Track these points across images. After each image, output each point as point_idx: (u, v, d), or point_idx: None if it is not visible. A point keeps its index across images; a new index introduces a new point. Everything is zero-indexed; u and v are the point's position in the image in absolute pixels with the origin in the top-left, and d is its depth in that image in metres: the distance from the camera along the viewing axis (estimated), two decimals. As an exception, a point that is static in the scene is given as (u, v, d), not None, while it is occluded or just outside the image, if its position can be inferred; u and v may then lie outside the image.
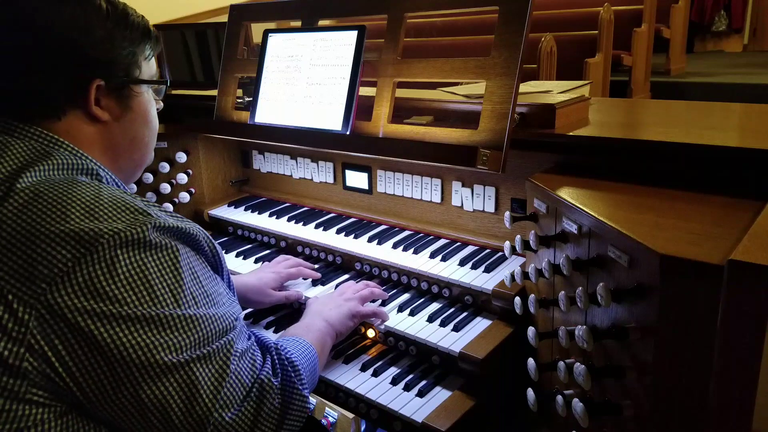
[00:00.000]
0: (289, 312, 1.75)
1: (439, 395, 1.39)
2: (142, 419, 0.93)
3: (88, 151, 1.09)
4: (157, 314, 0.91)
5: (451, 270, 1.62)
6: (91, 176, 1.05)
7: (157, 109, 1.26)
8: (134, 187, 2.21)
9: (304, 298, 1.70)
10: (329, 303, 1.53)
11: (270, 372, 1.08)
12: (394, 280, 1.75)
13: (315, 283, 1.77)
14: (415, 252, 1.73)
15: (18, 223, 0.89)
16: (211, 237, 1.09)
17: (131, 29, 1.12)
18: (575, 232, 1.16)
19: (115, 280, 0.89)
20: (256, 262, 1.95)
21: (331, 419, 1.82)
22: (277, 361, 1.12)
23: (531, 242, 1.34)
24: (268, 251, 2.02)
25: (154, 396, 0.92)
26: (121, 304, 0.89)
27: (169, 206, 2.23)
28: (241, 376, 1.02)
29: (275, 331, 1.66)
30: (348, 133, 1.72)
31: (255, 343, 1.10)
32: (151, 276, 0.92)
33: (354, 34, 1.74)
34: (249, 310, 1.76)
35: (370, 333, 1.61)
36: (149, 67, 1.19)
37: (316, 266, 1.89)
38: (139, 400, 0.91)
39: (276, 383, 1.07)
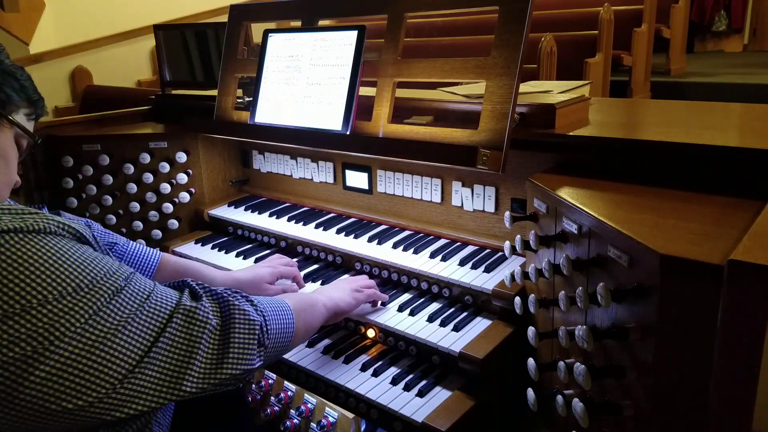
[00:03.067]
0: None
1: (439, 395, 1.39)
2: (52, 412, 0.88)
3: None
4: (22, 307, 0.86)
5: (451, 270, 1.62)
6: None
7: (19, 162, 1.19)
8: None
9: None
10: (332, 284, 1.59)
11: (189, 298, 1.06)
12: (394, 280, 1.75)
13: (315, 280, 1.78)
14: (415, 252, 1.73)
15: None
16: (75, 226, 1.01)
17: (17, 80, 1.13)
18: (575, 232, 1.16)
19: None
20: (256, 262, 1.95)
21: (331, 419, 1.82)
22: (197, 288, 1.09)
23: (531, 242, 1.34)
24: (268, 251, 2.02)
25: (47, 380, 0.86)
26: None
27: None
28: (155, 311, 0.98)
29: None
30: (348, 133, 1.72)
31: (163, 287, 1.07)
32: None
33: (354, 34, 1.74)
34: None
35: (370, 333, 1.61)
36: (25, 122, 1.16)
37: (316, 266, 1.89)
38: (35, 393, 0.86)
39: (203, 304, 1.05)
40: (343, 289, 1.53)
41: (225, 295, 1.10)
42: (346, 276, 1.80)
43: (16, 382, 0.85)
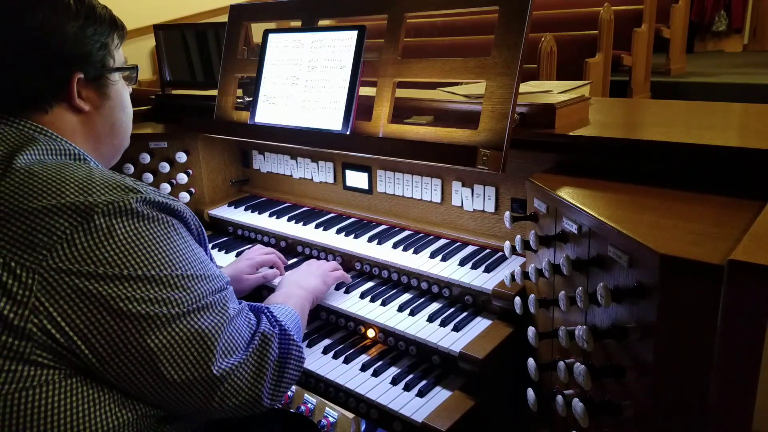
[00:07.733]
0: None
1: (439, 395, 1.39)
2: (152, 371, 0.97)
3: (70, 139, 1.16)
4: (157, 274, 0.98)
5: (451, 270, 1.62)
6: (78, 160, 1.11)
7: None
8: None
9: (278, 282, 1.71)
10: (302, 273, 1.63)
11: (268, 325, 1.16)
12: (394, 280, 1.75)
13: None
14: (415, 252, 1.73)
15: (16, 199, 0.94)
16: (196, 217, 1.15)
17: (99, 22, 1.18)
18: (575, 232, 1.16)
19: (113, 246, 0.95)
20: (256, 262, 1.95)
21: (331, 419, 1.82)
22: (271, 318, 1.21)
23: (531, 242, 1.34)
24: (268, 251, 2.02)
25: (161, 344, 0.97)
26: (120, 268, 0.95)
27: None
28: (240, 329, 1.09)
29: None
30: (348, 133, 1.72)
31: (246, 307, 1.17)
32: (147, 242, 0.98)
33: (354, 34, 1.74)
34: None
35: (370, 333, 1.61)
36: (120, 56, 1.26)
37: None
38: (148, 350, 0.96)
39: (276, 332, 1.15)
40: (315, 277, 1.60)
41: (286, 328, 1.20)
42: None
43: (135, 335, 0.95)
